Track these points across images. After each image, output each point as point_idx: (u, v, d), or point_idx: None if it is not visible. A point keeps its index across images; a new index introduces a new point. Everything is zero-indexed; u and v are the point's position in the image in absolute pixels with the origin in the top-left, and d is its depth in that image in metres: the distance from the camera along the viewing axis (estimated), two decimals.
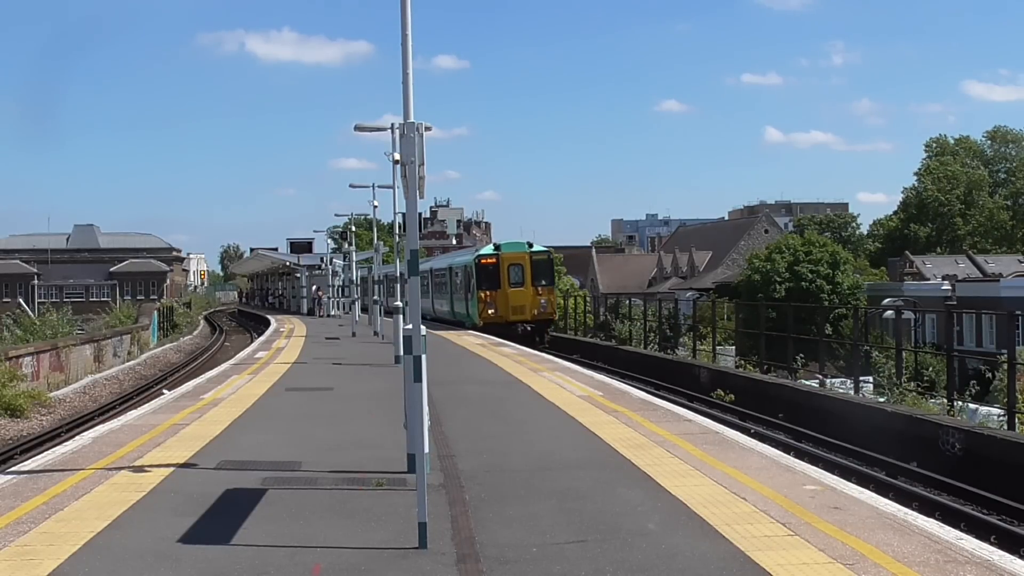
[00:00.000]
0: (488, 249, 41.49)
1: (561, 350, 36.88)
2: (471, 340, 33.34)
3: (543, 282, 39.55)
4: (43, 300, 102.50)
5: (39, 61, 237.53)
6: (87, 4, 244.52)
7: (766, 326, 32.14)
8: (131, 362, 44.84)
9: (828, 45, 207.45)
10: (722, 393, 24.58)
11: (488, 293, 38.76)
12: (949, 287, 60.26)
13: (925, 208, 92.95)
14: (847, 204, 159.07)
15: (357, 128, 26.11)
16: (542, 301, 39.15)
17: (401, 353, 9.74)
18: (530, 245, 40.34)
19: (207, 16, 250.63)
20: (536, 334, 38.35)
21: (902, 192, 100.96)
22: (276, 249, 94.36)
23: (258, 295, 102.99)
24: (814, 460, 15.02)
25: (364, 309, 48.00)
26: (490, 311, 38.57)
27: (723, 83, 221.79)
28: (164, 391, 24.11)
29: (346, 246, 54.59)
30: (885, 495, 11.05)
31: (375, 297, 42.18)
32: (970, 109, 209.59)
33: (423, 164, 9.09)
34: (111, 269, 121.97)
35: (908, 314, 38.31)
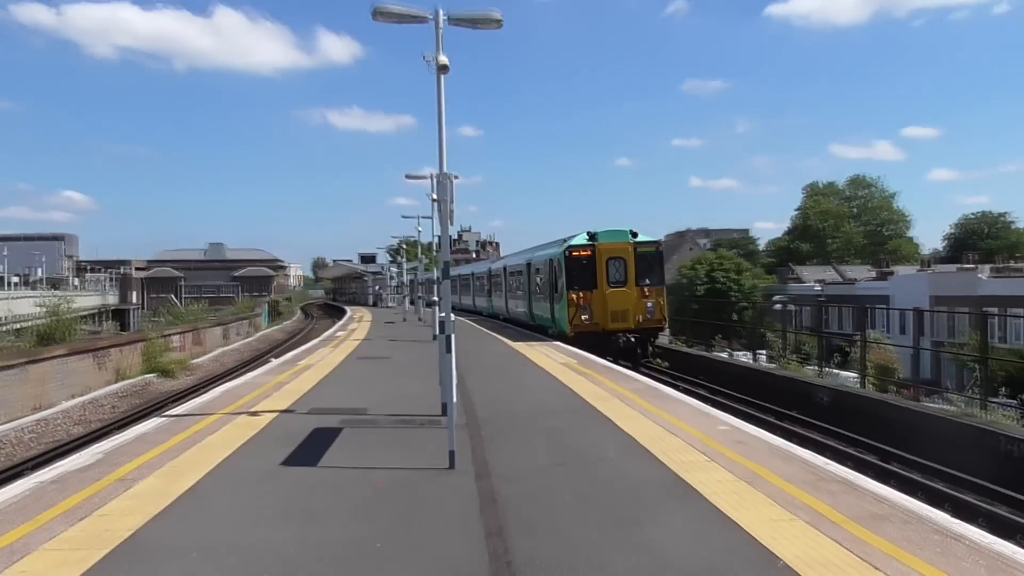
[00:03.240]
0: (581, 238, 23.91)
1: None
2: (490, 323, 33.01)
3: (650, 280, 23.51)
4: (187, 296, 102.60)
5: (186, 132, 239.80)
6: (215, 92, 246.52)
7: (691, 315, 32.21)
8: (248, 339, 44.97)
9: (734, 119, 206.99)
10: (660, 361, 24.55)
11: (581, 295, 23.21)
12: (820, 288, 60.20)
13: (805, 232, 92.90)
14: (748, 229, 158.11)
15: (407, 176, 26.35)
16: (648, 305, 23.29)
17: (437, 332, 9.69)
18: (634, 234, 23.66)
19: (299, 97, 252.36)
20: (639, 346, 23.35)
21: (789, 220, 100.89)
22: (350, 260, 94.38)
23: (337, 292, 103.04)
24: (725, 408, 14.99)
25: (412, 302, 47.77)
26: (583, 317, 23.17)
27: (660, 145, 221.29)
28: (271, 359, 24.16)
29: (399, 258, 54.79)
30: (775, 433, 11.02)
31: (419, 294, 41.97)
32: (835, 163, 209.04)
33: (452, 202, 9.08)
34: (234, 274, 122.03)
35: (791, 307, 38.24)
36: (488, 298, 40.09)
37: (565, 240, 24.69)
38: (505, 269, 35.16)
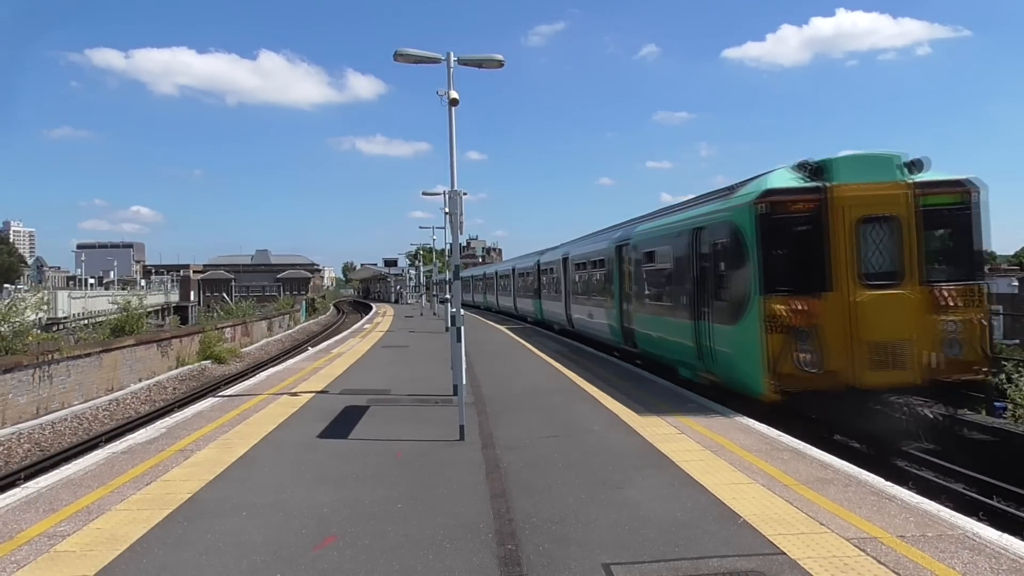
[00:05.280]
0: (786, 177, 7.93)
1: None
2: (497, 317, 32.80)
3: (951, 270, 7.36)
4: (237, 295, 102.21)
5: (237, 156, 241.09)
6: (261, 123, 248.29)
7: None
8: (289, 331, 44.82)
9: (698, 144, 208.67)
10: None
11: (796, 305, 7.30)
12: None
13: None
14: None
15: (423, 193, 26.40)
16: (949, 325, 7.05)
17: (449, 325, 9.61)
18: (912, 167, 7.60)
19: (331, 127, 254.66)
20: (934, 424, 7.30)
21: None
22: (376, 264, 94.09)
23: (364, 291, 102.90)
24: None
25: (428, 300, 47.64)
26: (801, 356, 7.43)
27: (636, 167, 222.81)
28: (309, 348, 24.11)
29: (416, 262, 54.88)
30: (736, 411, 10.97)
31: (434, 293, 41.92)
32: None
33: (462, 214, 9.09)
34: (277, 276, 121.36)
35: None
36: (536, 300, 25.74)
37: (734, 187, 10.06)
38: (566, 260, 20.37)
